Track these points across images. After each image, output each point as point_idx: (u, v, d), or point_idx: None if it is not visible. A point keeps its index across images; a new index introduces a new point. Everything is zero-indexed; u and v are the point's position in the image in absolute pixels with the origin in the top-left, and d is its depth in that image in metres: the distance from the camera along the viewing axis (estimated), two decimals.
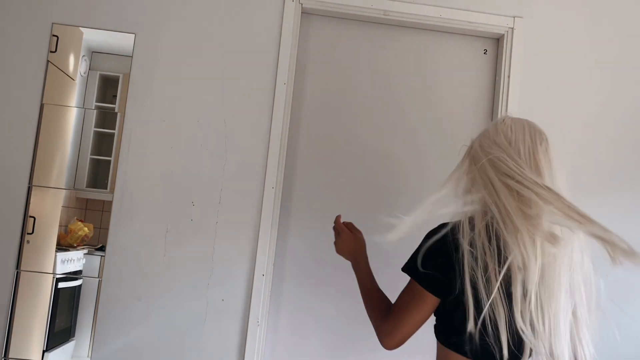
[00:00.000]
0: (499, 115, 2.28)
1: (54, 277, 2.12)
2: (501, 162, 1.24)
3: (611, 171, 2.30)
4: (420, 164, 2.31)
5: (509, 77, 2.29)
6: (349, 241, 1.63)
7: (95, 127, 2.19)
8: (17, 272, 2.10)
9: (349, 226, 1.70)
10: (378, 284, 1.56)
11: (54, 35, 2.17)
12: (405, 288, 1.37)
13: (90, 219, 2.17)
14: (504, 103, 2.28)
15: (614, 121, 2.32)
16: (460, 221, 1.27)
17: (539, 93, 2.31)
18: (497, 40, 2.38)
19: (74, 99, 2.19)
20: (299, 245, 2.24)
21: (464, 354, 1.29)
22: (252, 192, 2.17)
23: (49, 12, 2.18)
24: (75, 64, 2.20)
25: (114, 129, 2.18)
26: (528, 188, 1.18)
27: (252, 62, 2.22)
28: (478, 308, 1.21)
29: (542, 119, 2.30)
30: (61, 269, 2.13)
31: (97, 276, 2.13)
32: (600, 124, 2.32)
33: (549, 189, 1.19)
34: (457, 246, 1.25)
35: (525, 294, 1.19)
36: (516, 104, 2.28)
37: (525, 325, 1.18)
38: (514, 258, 1.18)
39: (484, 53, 2.38)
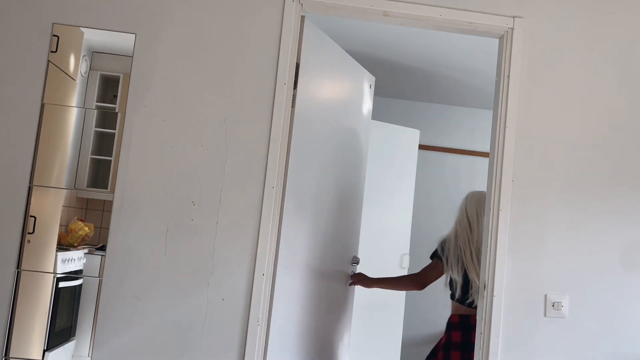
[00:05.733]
0: (499, 117, 2.28)
1: (54, 277, 2.12)
2: None
3: (611, 171, 2.30)
4: None
5: (509, 77, 2.29)
6: (362, 277, 2.71)
7: (95, 127, 2.20)
8: (18, 271, 2.11)
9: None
10: None
11: (54, 35, 2.18)
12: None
13: (91, 219, 2.18)
14: (504, 103, 2.28)
15: (614, 121, 2.32)
16: None
17: (538, 93, 2.31)
18: (497, 40, 2.38)
19: (74, 99, 2.19)
20: (299, 245, 2.24)
21: None
22: (252, 192, 2.17)
23: (49, 12, 2.18)
24: (76, 64, 2.20)
25: (115, 129, 2.18)
26: None
27: (252, 62, 2.22)
28: None
29: (541, 119, 2.31)
30: (62, 269, 2.13)
31: (97, 276, 2.13)
32: (600, 123, 2.31)
33: None
34: None
35: None
36: (516, 104, 2.28)
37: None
38: None
39: None
